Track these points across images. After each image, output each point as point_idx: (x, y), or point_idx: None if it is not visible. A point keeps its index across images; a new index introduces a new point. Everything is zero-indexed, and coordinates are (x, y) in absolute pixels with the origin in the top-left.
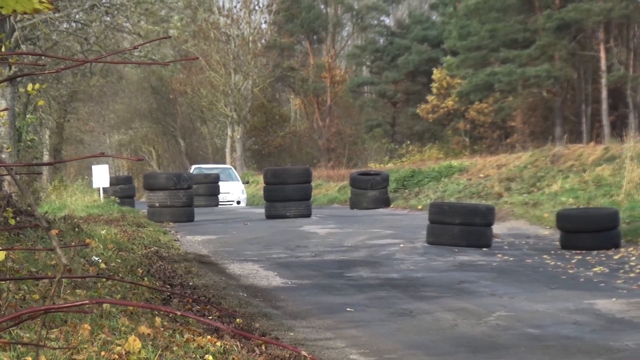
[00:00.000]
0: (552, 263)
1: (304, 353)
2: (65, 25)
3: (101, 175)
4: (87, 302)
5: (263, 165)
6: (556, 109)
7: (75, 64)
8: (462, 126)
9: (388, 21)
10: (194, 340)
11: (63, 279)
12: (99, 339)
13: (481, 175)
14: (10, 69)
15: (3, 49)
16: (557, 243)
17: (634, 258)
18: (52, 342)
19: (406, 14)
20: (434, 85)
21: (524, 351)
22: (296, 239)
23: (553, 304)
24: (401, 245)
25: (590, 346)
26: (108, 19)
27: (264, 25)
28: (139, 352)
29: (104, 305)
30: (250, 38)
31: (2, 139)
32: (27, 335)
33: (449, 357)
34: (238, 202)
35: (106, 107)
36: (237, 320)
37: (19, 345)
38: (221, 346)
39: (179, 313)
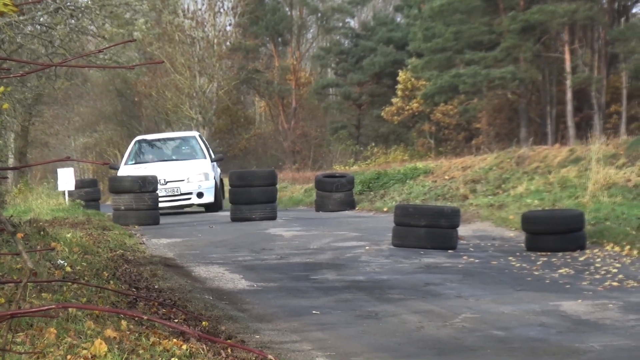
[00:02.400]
0: (518, 265)
1: (270, 357)
2: (29, 28)
3: (66, 179)
4: (53, 306)
5: (228, 168)
6: (521, 111)
7: (40, 68)
8: (427, 128)
9: (353, 23)
10: (159, 343)
11: (29, 283)
12: (65, 343)
13: (446, 177)
14: None
15: None
16: (523, 245)
17: (599, 260)
18: (18, 347)
19: (371, 16)
20: (399, 87)
21: (490, 353)
22: (262, 241)
23: (519, 305)
24: (367, 247)
25: (556, 348)
26: (73, 21)
27: (228, 28)
28: (105, 355)
29: (70, 309)
30: (215, 40)
31: None
32: None
33: (415, 359)
34: (199, 195)
35: (71, 110)
36: (203, 323)
37: None
38: (187, 349)
39: (145, 317)
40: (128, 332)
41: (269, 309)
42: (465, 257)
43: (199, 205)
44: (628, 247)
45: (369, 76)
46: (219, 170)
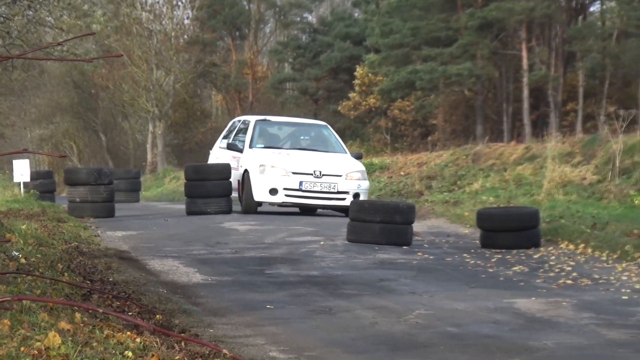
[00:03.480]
0: (472, 262)
1: (225, 351)
2: None
3: (22, 170)
4: (8, 298)
5: (184, 161)
6: (477, 108)
7: None
8: (384, 124)
9: (311, 18)
10: (113, 336)
11: None
12: (19, 335)
13: (402, 173)
14: None
15: None
16: (477, 242)
17: (553, 257)
18: None
19: (329, 11)
20: (356, 82)
21: (443, 350)
22: (216, 235)
23: (473, 302)
24: (322, 242)
25: (509, 345)
26: (30, 13)
27: (186, 21)
28: (59, 347)
29: (24, 301)
30: (173, 34)
31: None
32: None
33: (369, 355)
34: (356, 197)
35: (27, 101)
36: (157, 316)
37: None
38: (141, 342)
39: (100, 310)
40: (82, 325)
41: (223, 303)
42: (419, 254)
43: (342, 208)
44: (582, 245)
45: (326, 71)
46: None
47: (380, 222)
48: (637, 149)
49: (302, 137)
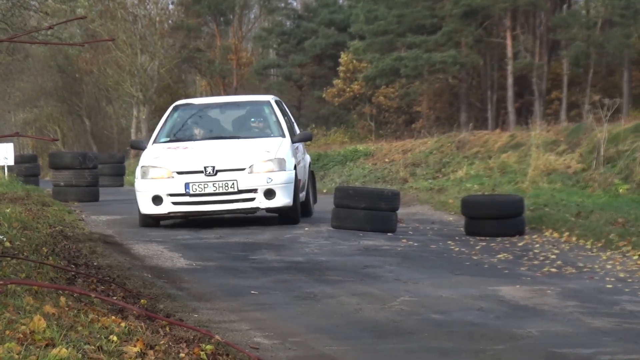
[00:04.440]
0: (457, 249)
1: (217, 337)
2: None
3: (6, 154)
4: (1, 282)
5: None
6: (462, 95)
7: None
8: (368, 110)
9: (295, 4)
10: (98, 320)
11: None
12: (4, 318)
13: (387, 160)
14: None
15: None
16: (462, 229)
17: (537, 245)
18: None
19: None
20: (341, 69)
21: (427, 337)
22: (201, 220)
23: (457, 290)
24: (306, 228)
25: (494, 332)
26: None
27: (171, 6)
28: (44, 331)
29: (9, 284)
30: (157, 19)
31: None
32: None
33: (353, 341)
34: (269, 195)
35: (12, 85)
36: (142, 301)
37: None
38: (126, 327)
39: (93, 295)
40: (67, 309)
41: (207, 288)
42: (404, 240)
43: (269, 210)
44: (567, 233)
45: (311, 57)
46: (308, 157)
47: (364, 208)
48: (622, 138)
49: (226, 123)
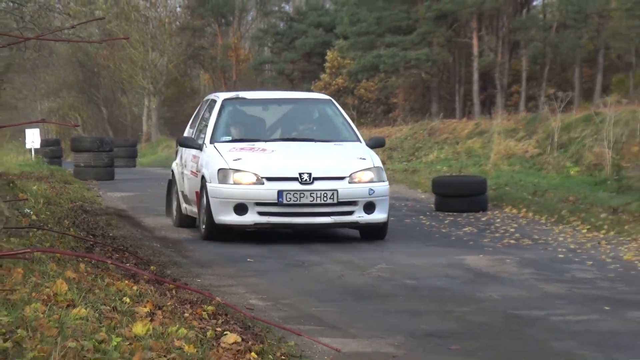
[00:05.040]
0: (428, 223)
1: (217, 299)
2: (3, 4)
3: (33, 138)
4: (28, 250)
5: (175, 132)
6: (433, 89)
7: (16, 41)
8: (351, 101)
9: (288, 8)
10: (113, 284)
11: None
12: (31, 282)
13: None
14: None
15: None
16: (432, 206)
17: (498, 220)
18: None
19: (304, 2)
20: (327, 65)
21: (402, 299)
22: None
23: (428, 259)
24: None
25: (459, 296)
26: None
27: (178, 9)
28: (65, 293)
29: (35, 252)
30: (167, 20)
31: None
32: None
33: (336, 303)
34: (368, 209)
35: (38, 78)
36: (152, 267)
37: None
38: (137, 290)
39: (109, 262)
40: (86, 274)
41: (209, 257)
42: None
43: (367, 226)
44: (524, 209)
45: (301, 55)
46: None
47: None
48: (573, 127)
49: (293, 122)
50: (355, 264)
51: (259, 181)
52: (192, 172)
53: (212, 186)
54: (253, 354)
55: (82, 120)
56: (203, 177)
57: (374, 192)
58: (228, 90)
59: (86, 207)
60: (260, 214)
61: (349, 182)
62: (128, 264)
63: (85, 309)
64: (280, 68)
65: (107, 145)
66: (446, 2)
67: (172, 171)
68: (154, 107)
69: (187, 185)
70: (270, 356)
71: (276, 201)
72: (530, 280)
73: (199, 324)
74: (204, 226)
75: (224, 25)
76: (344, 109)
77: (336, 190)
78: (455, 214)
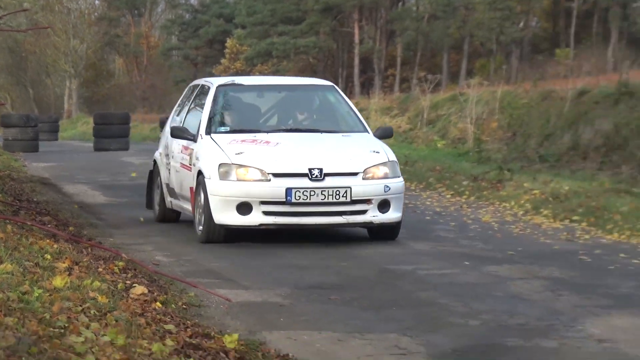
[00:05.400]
0: None
1: (123, 255)
2: None
3: None
4: None
5: (93, 110)
6: (319, 72)
7: None
8: None
9: (193, 0)
10: (36, 243)
11: None
12: None
13: None
14: None
15: None
16: None
17: None
18: None
19: None
20: (227, 51)
21: (290, 257)
22: (117, 167)
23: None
24: None
25: (340, 253)
26: None
27: (97, 1)
28: None
29: None
30: (86, 11)
31: None
32: None
33: (232, 259)
34: (383, 207)
35: None
36: (70, 228)
37: None
38: (57, 248)
39: (30, 224)
40: (12, 234)
41: (121, 219)
42: None
43: (381, 226)
44: None
45: (204, 42)
46: None
47: None
48: (440, 105)
49: (294, 110)
50: None
51: (265, 177)
52: (182, 164)
53: (212, 183)
54: (158, 303)
55: (11, 99)
56: (200, 173)
57: (389, 189)
58: (140, 74)
59: (13, 176)
60: (266, 213)
61: (363, 178)
62: (49, 225)
63: (11, 264)
64: (185, 54)
65: (33, 121)
66: None
67: (155, 161)
68: (74, 87)
69: (175, 178)
70: (173, 305)
71: (284, 200)
72: (400, 239)
73: (111, 277)
74: (200, 227)
75: (136, 16)
76: None
77: (349, 187)
78: None
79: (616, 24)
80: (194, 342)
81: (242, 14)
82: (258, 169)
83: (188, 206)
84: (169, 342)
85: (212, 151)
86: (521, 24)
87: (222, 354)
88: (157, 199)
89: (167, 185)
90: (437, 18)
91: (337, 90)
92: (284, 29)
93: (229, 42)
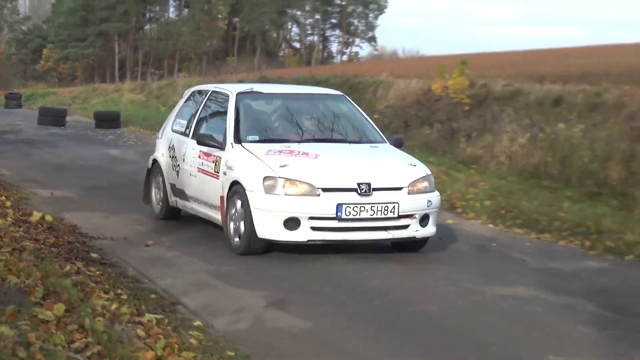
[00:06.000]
0: (91, 134)
1: None
2: None
3: None
4: None
5: None
6: (96, 69)
7: None
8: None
9: (24, 27)
10: None
11: None
12: None
13: None
14: None
15: None
16: (94, 125)
17: (126, 132)
18: None
19: None
20: (44, 56)
21: (78, 169)
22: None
23: (96, 150)
24: (25, 124)
25: (103, 169)
26: None
27: None
28: None
29: None
30: None
31: None
32: None
33: (45, 172)
34: (424, 222)
35: None
36: None
37: None
38: None
39: None
40: None
41: None
42: (69, 130)
43: (420, 240)
44: (140, 128)
45: (31, 51)
46: None
47: (52, 116)
48: (163, 88)
49: (316, 120)
50: (55, 154)
51: (314, 192)
52: (201, 170)
53: (256, 196)
54: (3, 197)
55: None
56: (237, 183)
57: (432, 203)
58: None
59: None
60: (314, 229)
61: (408, 193)
62: None
63: None
64: (19, 57)
65: None
66: None
67: (155, 161)
68: None
69: (186, 181)
70: (12, 198)
71: (334, 215)
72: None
73: None
74: (237, 239)
75: None
76: None
77: (397, 202)
78: (104, 130)
79: (259, 44)
80: (22, 218)
81: (52, 35)
82: (307, 183)
83: (207, 211)
84: (9, 218)
85: (250, 162)
86: (208, 43)
87: (39, 225)
88: (158, 196)
89: (173, 185)
90: (160, 39)
91: (348, 100)
92: (76, 44)
93: (45, 51)
